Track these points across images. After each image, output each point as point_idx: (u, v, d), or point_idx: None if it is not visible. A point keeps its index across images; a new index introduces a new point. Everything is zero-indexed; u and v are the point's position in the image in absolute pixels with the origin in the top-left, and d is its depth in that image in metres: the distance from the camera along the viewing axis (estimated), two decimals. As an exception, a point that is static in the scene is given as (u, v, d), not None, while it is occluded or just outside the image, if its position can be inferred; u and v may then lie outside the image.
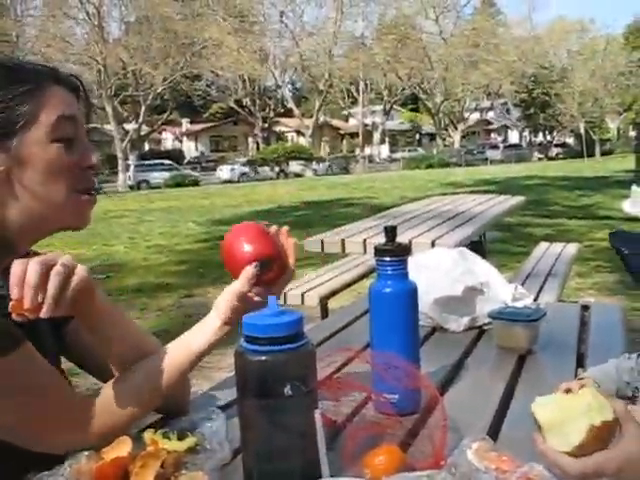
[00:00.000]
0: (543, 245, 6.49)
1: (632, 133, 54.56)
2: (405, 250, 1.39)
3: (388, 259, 1.38)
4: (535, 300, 4.04)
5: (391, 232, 1.39)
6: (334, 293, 4.95)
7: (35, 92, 1.21)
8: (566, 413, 1.09)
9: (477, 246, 5.67)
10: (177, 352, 1.28)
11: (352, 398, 1.49)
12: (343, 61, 49.56)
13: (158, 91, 41.25)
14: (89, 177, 1.29)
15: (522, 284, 4.72)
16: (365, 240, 4.10)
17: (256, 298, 1.26)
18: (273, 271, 1.27)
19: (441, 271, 2.06)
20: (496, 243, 9.98)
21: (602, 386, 1.42)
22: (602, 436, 1.06)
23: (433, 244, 3.73)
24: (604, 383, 1.43)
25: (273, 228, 1.34)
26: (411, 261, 2.14)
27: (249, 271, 1.22)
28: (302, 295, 4.71)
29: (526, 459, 1.12)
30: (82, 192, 1.28)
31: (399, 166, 46.43)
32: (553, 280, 4.81)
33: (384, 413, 1.42)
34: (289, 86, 56.55)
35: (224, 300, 1.27)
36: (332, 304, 4.91)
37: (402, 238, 4.01)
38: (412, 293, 1.40)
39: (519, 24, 56.43)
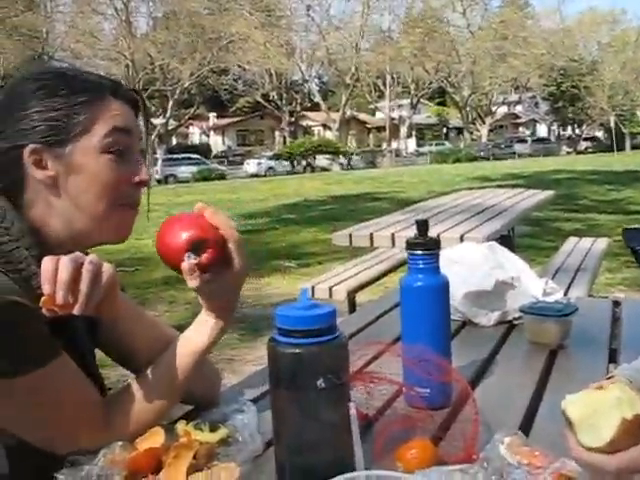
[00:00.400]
0: (572, 240, 6.43)
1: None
2: (436, 244, 1.39)
3: (420, 253, 1.38)
4: (565, 295, 4.04)
5: (423, 226, 1.39)
6: (362, 287, 4.95)
7: (93, 102, 1.23)
8: (596, 408, 1.07)
9: (506, 240, 5.62)
10: (183, 350, 1.28)
11: (384, 392, 1.49)
12: (370, 55, 49.43)
13: (185, 86, 41.47)
14: (135, 192, 1.30)
15: (552, 279, 4.69)
16: (393, 234, 4.09)
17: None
18: (210, 249, 1.22)
19: (471, 265, 2.05)
20: (525, 238, 9.91)
21: (634, 382, 1.40)
22: (634, 430, 1.04)
23: (462, 238, 3.71)
24: (636, 379, 1.42)
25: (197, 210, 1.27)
26: (441, 255, 2.14)
27: (184, 267, 1.20)
28: (330, 289, 4.72)
29: (559, 455, 1.11)
30: (126, 206, 1.29)
31: (426, 160, 46.26)
32: (583, 275, 4.76)
33: (415, 407, 1.42)
34: (316, 80, 56.65)
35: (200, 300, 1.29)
36: (360, 298, 4.91)
37: (430, 232, 3.99)
38: (444, 287, 1.39)
39: (548, 16, 55.94)
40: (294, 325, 1.06)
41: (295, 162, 41.36)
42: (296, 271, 8.29)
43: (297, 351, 1.05)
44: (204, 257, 1.21)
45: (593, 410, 1.08)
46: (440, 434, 1.32)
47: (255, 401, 1.42)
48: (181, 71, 40.13)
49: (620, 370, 1.48)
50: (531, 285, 2.10)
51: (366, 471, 0.97)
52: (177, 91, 41.23)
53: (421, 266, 1.38)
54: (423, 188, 19.78)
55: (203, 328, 1.28)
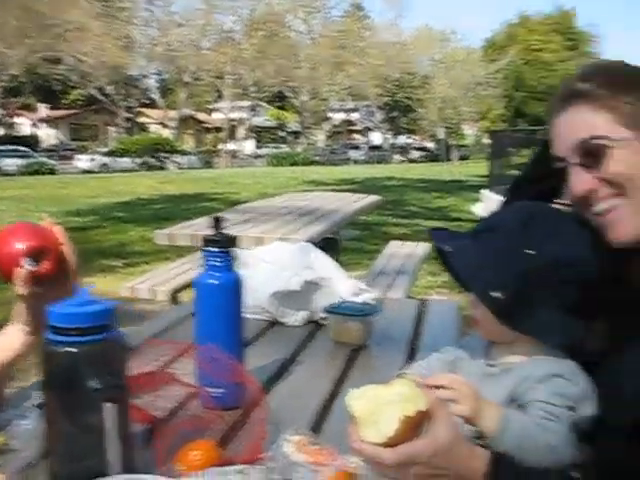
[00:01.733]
0: (395, 244, 6.64)
1: (486, 140, 57.18)
2: (231, 241, 1.36)
3: (214, 250, 1.35)
4: (383, 297, 4.15)
5: (218, 223, 1.36)
6: (186, 286, 4.85)
7: None
8: (379, 404, 1.08)
9: (332, 243, 5.73)
10: None
11: (177, 393, 1.45)
12: (211, 54, 48.93)
13: (12, 73, 39.18)
14: None
15: (372, 281, 4.82)
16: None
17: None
18: (49, 261, 1.22)
19: (280, 265, 2.04)
20: (353, 241, 10.15)
21: (425, 380, 1.44)
22: (415, 425, 1.07)
23: (284, 240, 3.71)
24: (426, 376, 1.46)
25: (44, 222, 1.28)
26: (251, 255, 2.13)
27: (18, 272, 1.17)
28: (152, 289, 4.59)
29: (349, 452, 1.12)
30: None
31: (263, 162, 46.48)
32: (402, 277, 4.92)
33: (208, 407, 1.39)
34: (154, 76, 55.30)
35: (15, 311, 1.23)
36: (184, 298, 4.81)
37: (252, 233, 3.99)
38: (236, 285, 1.37)
39: (386, 29, 57.79)
40: (67, 323, 1.00)
41: (130, 160, 40.21)
42: (122, 270, 8.04)
43: (70, 350, 0.99)
44: (42, 266, 1.20)
45: (375, 405, 1.09)
46: (231, 435, 1.30)
47: (42, 406, 1.33)
48: (9, 57, 37.90)
49: (414, 368, 1.52)
50: (341, 286, 2.12)
51: (123, 475, 0.93)
52: (3, 78, 38.88)
53: (215, 263, 1.35)
54: (257, 190, 19.82)
55: (14, 339, 1.22)
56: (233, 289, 1.36)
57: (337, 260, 5.98)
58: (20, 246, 1.20)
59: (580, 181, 1.21)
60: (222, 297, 1.35)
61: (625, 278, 1.29)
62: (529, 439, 1.11)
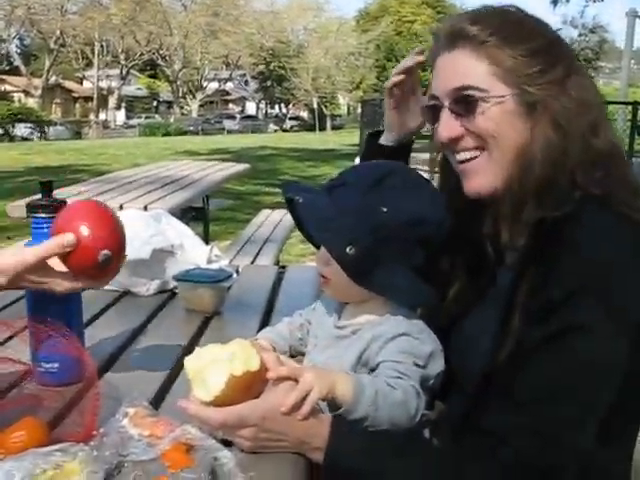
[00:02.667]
0: (265, 212, 6.61)
1: (360, 110, 58.02)
2: (62, 207, 1.27)
3: (43, 215, 1.26)
4: (252, 264, 4.11)
5: (47, 187, 1.26)
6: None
7: None
8: (209, 363, 1.07)
9: (199, 212, 5.65)
10: None
11: (11, 371, 1.36)
12: (77, 19, 46.86)
13: None
14: None
15: (240, 249, 4.78)
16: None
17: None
18: (115, 265, 1.21)
19: (130, 233, 1.95)
20: (226, 211, 10.07)
21: (277, 346, 1.42)
22: (245, 386, 1.06)
23: (146, 208, 3.60)
24: (277, 342, 1.43)
25: None
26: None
27: (66, 238, 1.12)
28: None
29: (188, 422, 1.08)
30: None
31: (135, 133, 45.20)
32: (271, 245, 4.90)
33: (44, 384, 1.31)
34: (16, 41, 52.52)
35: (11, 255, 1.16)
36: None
37: (114, 203, 3.83)
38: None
39: (260, -2, 57.20)
40: None
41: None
42: (-19, 247, 7.64)
43: None
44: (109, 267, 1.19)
45: (206, 364, 1.07)
46: (65, 412, 1.22)
47: None
48: None
49: (262, 333, 1.49)
50: (195, 253, 2.06)
51: None
52: None
53: (46, 230, 1.25)
54: (128, 161, 19.24)
55: None
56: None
57: (206, 229, 5.91)
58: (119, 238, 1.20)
59: (448, 127, 1.21)
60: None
61: (476, 241, 1.30)
62: (383, 399, 1.11)
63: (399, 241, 1.19)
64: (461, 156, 1.23)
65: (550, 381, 1.06)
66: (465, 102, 1.18)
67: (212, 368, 1.05)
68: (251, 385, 1.07)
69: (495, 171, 1.19)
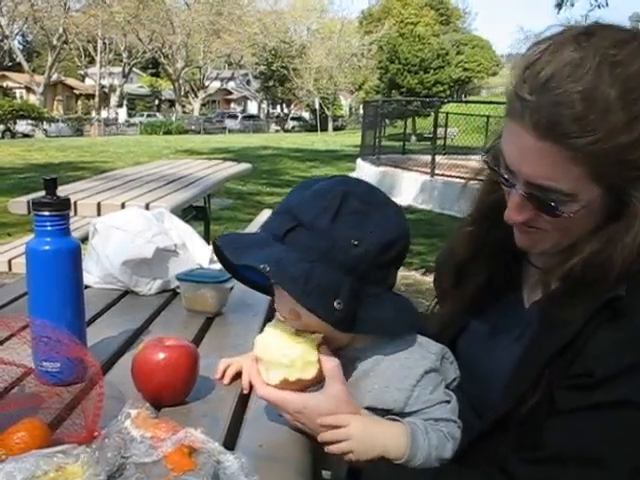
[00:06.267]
0: (267, 212, 6.59)
1: (362, 111, 58.01)
2: (66, 204, 1.26)
3: (47, 214, 1.25)
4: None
5: (51, 184, 1.25)
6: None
7: None
8: (271, 358, 1.11)
9: (201, 211, 5.64)
10: None
11: (14, 373, 1.34)
12: (80, 16, 46.85)
13: None
14: None
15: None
16: (76, 202, 3.84)
17: None
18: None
19: (133, 232, 1.94)
20: (227, 210, 10.05)
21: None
22: (296, 389, 1.11)
23: (148, 207, 3.59)
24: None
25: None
26: (102, 221, 2.02)
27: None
28: (10, 262, 4.33)
29: (191, 424, 1.08)
30: None
31: (136, 131, 45.18)
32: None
33: (46, 384, 1.30)
34: (19, 38, 52.51)
35: None
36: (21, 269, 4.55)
37: (116, 201, 3.83)
38: (72, 252, 1.27)
39: (264, -3, 57.18)
40: None
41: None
42: (-18, 243, 7.61)
43: None
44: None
45: (269, 356, 1.13)
46: (66, 413, 1.21)
47: None
48: None
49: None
50: (197, 253, 2.05)
51: None
52: None
53: (49, 228, 1.25)
54: (130, 159, 19.22)
55: None
56: (68, 256, 1.26)
57: (207, 229, 5.89)
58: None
59: (519, 211, 1.10)
60: (55, 265, 1.25)
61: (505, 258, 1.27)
62: (436, 453, 1.10)
63: (376, 269, 1.08)
64: (524, 227, 1.14)
65: (580, 447, 1.02)
66: (545, 203, 1.06)
67: (272, 364, 1.11)
68: (303, 389, 1.11)
69: (554, 242, 1.13)
